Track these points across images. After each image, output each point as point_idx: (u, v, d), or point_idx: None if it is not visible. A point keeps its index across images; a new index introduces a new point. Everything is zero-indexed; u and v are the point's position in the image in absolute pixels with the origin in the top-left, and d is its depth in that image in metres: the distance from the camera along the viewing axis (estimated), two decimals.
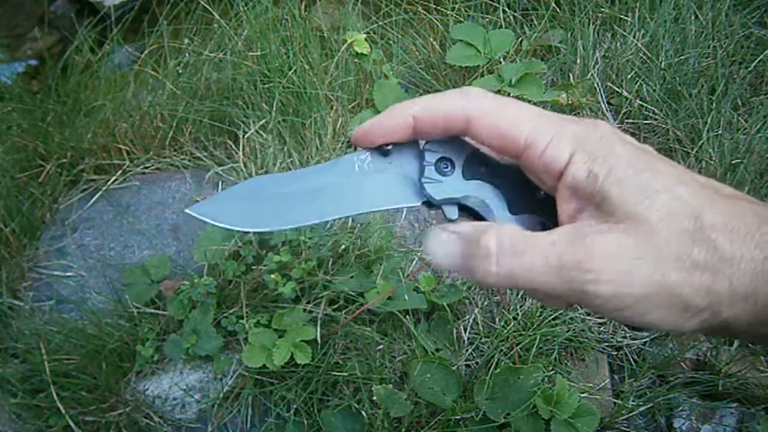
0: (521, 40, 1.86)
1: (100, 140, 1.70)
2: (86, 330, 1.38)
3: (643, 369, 1.33)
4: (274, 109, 1.67)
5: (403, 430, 1.21)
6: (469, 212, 0.43)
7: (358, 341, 1.33)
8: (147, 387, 1.34)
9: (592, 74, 1.74)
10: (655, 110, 1.68)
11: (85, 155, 1.71)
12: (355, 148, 0.43)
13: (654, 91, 1.69)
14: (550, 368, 1.29)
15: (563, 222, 0.38)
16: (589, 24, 1.82)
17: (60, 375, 1.33)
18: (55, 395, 1.30)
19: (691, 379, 1.33)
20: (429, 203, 0.42)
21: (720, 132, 1.58)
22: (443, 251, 0.38)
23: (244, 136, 1.67)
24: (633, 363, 1.36)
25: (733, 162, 1.53)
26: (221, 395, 1.33)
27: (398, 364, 1.32)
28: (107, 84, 1.88)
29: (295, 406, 1.28)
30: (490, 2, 1.95)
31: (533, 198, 0.42)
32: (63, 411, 1.30)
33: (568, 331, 1.33)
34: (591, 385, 1.30)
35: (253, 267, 1.39)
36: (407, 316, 1.32)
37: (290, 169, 1.60)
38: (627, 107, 1.71)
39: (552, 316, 1.33)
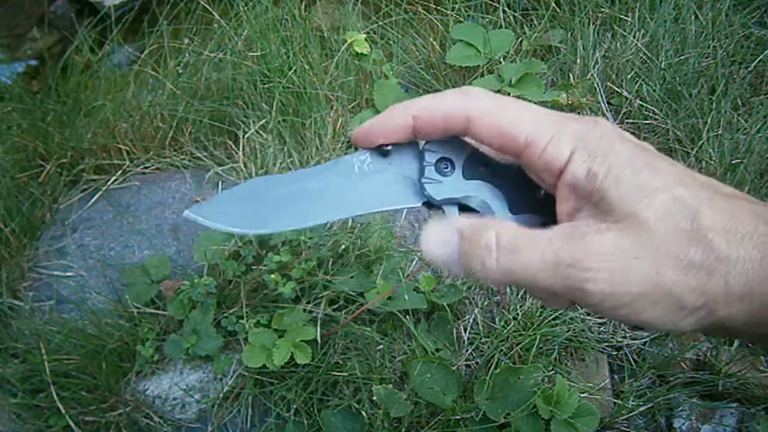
0: (521, 40, 1.86)
1: (100, 140, 1.70)
2: (86, 330, 1.38)
3: (643, 369, 1.33)
4: (274, 109, 1.67)
5: (403, 430, 1.21)
6: (470, 212, 0.43)
7: (358, 341, 1.33)
8: (147, 387, 1.34)
9: (592, 74, 1.74)
10: (655, 110, 1.68)
11: (85, 155, 1.71)
12: (356, 149, 0.43)
13: (654, 91, 1.69)
14: (550, 368, 1.29)
15: (562, 220, 0.38)
16: (589, 24, 1.82)
17: (60, 375, 1.33)
18: (55, 395, 1.30)
19: (691, 379, 1.33)
20: (429, 203, 0.42)
21: (720, 132, 1.58)
22: (441, 245, 0.39)
23: (244, 136, 1.67)
24: (633, 363, 1.36)
25: (733, 162, 1.53)
26: (221, 395, 1.33)
27: (398, 364, 1.32)
28: (107, 84, 1.88)
29: (295, 406, 1.28)
30: (490, 2, 1.95)
31: (534, 198, 0.42)
32: (63, 411, 1.30)
33: (568, 331, 1.33)
34: (591, 385, 1.30)
35: (253, 267, 1.39)
36: (407, 316, 1.32)
37: (290, 169, 1.60)
38: (627, 107, 1.71)
39: (552, 316, 1.33)
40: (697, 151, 1.58)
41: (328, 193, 0.42)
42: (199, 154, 1.71)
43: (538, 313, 1.33)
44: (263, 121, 1.67)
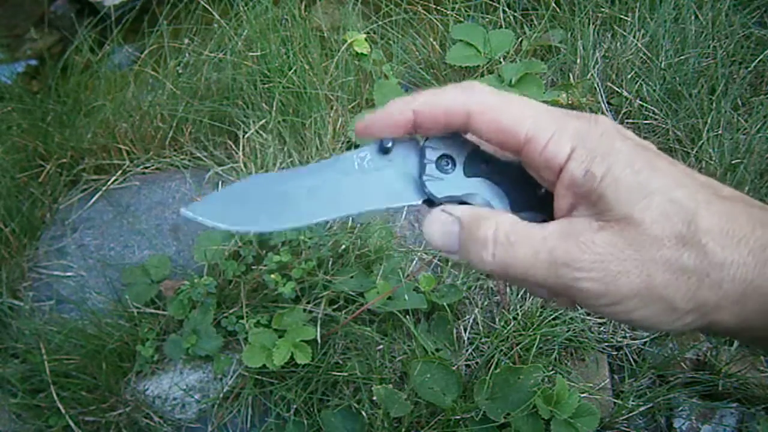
0: (521, 40, 1.86)
1: (100, 140, 1.70)
2: (86, 330, 1.38)
3: (643, 369, 1.33)
4: (274, 109, 1.67)
5: (403, 430, 1.21)
6: None
7: (358, 341, 1.33)
8: (147, 387, 1.34)
9: (592, 74, 1.74)
10: (655, 110, 1.68)
11: (85, 155, 1.71)
12: (356, 148, 0.43)
13: (654, 91, 1.69)
14: (550, 368, 1.29)
15: (558, 217, 0.38)
16: (589, 24, 1.82)
17: (60, 375, 1.33)
18: (55, 395, 1.30)
19: (691, 379, 1.33)
20: (430, 201, 0.42)
21: (720, 132, 1.58)
22: (442, 233, 0.40)
23: (244, 136, 1.67)
24: (633, 363, 1.36)
25: (733, 162, 1.53)
26: (221, 395, 1.33)
27: (398, 364, 1.32)
28: (107, 84, 1.88)
29: (295, 406, 1.28)
30: (490, 2, 1.95)
31: (534, 195, 0.42)
32: (63, 411, 1.29)
33: (568, 331, 1.33)
34: (591, 385, 1.30)
35: (253, 267, 1.39)
36: (407, 316, 1.32)
37: None
38: (627, 107, 1.71)
39: (552, 316, 1.33)
40: (697, 151, 1.58)
41: (328, 191, 0.41)
42: (199, 154, 1.71)
43: (538, 313, 1.33)
44: (263, 121, 1.67)
